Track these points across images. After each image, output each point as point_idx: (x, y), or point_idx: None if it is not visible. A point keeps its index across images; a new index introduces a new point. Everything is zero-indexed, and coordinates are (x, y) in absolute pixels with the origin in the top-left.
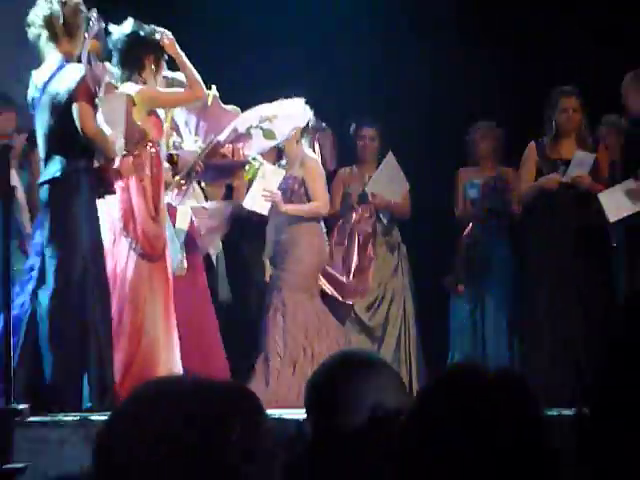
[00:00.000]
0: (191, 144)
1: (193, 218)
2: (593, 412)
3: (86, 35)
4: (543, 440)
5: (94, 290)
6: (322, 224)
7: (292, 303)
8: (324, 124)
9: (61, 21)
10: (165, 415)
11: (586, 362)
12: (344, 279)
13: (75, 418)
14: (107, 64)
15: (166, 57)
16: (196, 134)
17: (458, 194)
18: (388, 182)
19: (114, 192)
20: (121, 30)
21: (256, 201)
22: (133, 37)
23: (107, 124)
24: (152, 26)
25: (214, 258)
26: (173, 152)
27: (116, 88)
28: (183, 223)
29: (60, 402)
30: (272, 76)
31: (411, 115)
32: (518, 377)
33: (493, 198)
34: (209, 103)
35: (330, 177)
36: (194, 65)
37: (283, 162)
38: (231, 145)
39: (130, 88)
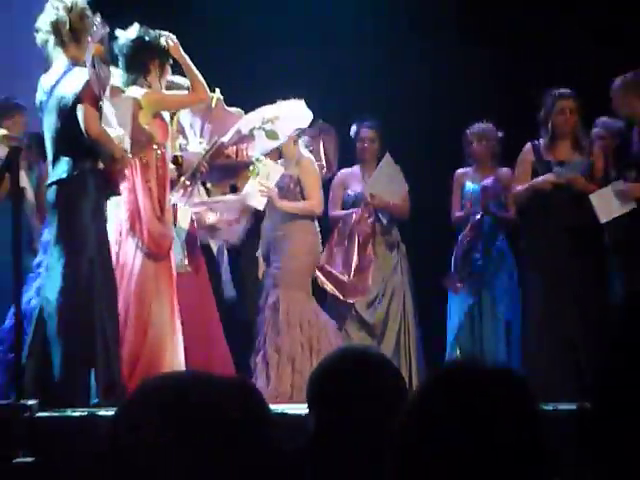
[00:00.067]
0: (196, 146)
1: (193, 217)
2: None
3: (89, 39)
4: (541, 435)
5: (101, 288)
6: (316, 223)
7: (287, 300)
8: (329, 126)
9: (67, 26)
10: (171, 404)
11: (585, 362)
12: (345, 278)
13: (83, 413)
14: (113, 68)
15: (171, 61)
16: (201, 136)
17: (455, 195)
18: (387, 183)
19: (120, 193)
20: (127, 35)
21: (253, 196)
22: (138, 42)
23: (113, 127)
24: (157, 31)
25: (215, 249)
26: (178, 154)
27: (122, 92)
28: (184, 222)
29: (68, 398)
30: (272, 76)
31: (411, 115)
32: (516, 373)
33: (489, 199)
34: (213, 105)
35: (329, 182)
36: (196, 66)
37: (280, 161)
38: (235, 146)
39: (136, 92)
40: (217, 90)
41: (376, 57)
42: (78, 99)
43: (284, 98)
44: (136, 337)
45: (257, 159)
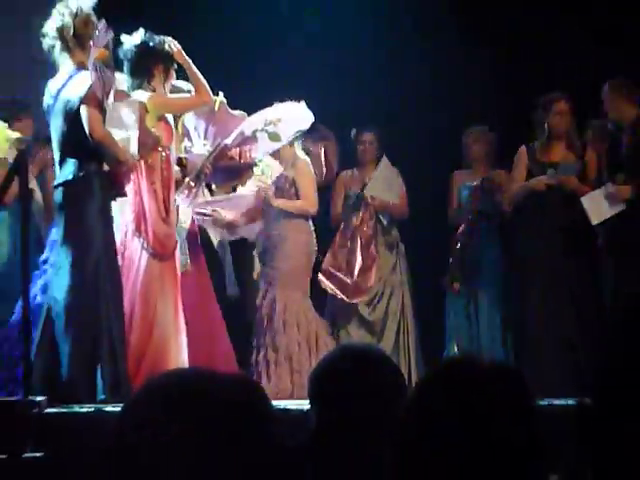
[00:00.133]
0: (200, 148)
1: (195, 217)
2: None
3: (91, 44)
4: (538, 431)
5: (107, 287)
6: (310, 222)
7: (283, 299)
8: (329, 132)
9: (72, 32)
10: (175, 401)
11: (584, 362)
12: (348, 280)
13: (90, 409)
14: (118, 73)
15: (175, 66)
16: (205, 138)
17: (452, 196)
18: (385, 185)
19: (125, 195)
20: (131, 41)
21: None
22: (142, 47)
23: (120, 130)
24: (161, 36)
25: (215, 242)
26: (182, 155)
27: (128, 96)
28: (184, 222)
29: (76, 394)
30: (272, 77)
31: (411, 115)
32: (512, 369)
33: (484, 200)
34: (216, 109)
35: (330, 184)
36: (196, 67)
37: (276, 162)
38: (238, 148)
39: (141, 96)
40: (220, 93)
41: (376, 57)
42: (82, 103)
43: (284, 98)
44: (141, 336)
45: (260, 160)
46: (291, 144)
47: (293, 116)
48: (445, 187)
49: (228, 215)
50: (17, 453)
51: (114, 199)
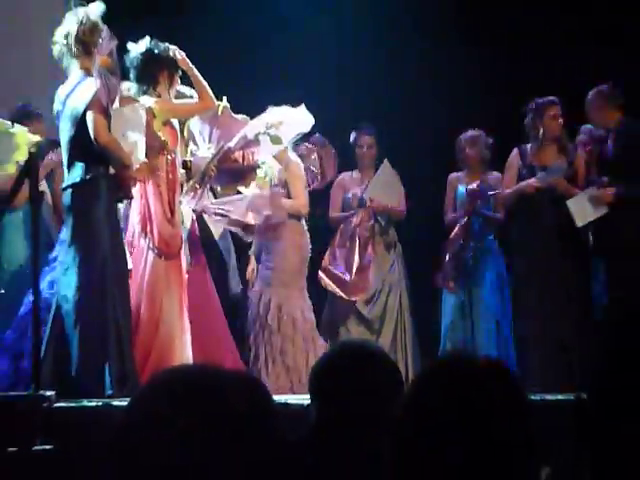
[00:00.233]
0: (205, 151)
1: (198, 218)
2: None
3: (95, 51)
4: (532, 426)
5: (114, 286)
6: (304, 222)
7: (278, 298)
8: (325, 139)
9: (79, 39)
10: (179, 397)
11: (577, 364)
12: (347, 278)
13: (98, 404)
14: (125, 82)
15: (180, 72)
16: (210, 142)
17: (448, 198)
18: (385, 187)
19: (132, 197)
20: (137, 49)
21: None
22: (147, 55)
23: (127, 134)
24: (166, 44)
25: (216, 236)
26: (187, 158)
27: (136, 101)
28: (185, 222)
29: (84, 389)
30: (272, 77)
31: (411, 115)
32: (505, 366)
33: (479, 202)
34: (220, 113)
35: (330, 186)
36: (196, 67)
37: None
38: (242, 151)
39: (147, 101)
40: (224, 98)
41: (376, 57)
42: (88, 108)
43: (284, 99)
44: (147, 334)
45: (263, 162)
46: (285, 147)
47: (294, 119)
48: (440, 189)
49: (233, 215)
50: (27, 446)
51: (121, 201)
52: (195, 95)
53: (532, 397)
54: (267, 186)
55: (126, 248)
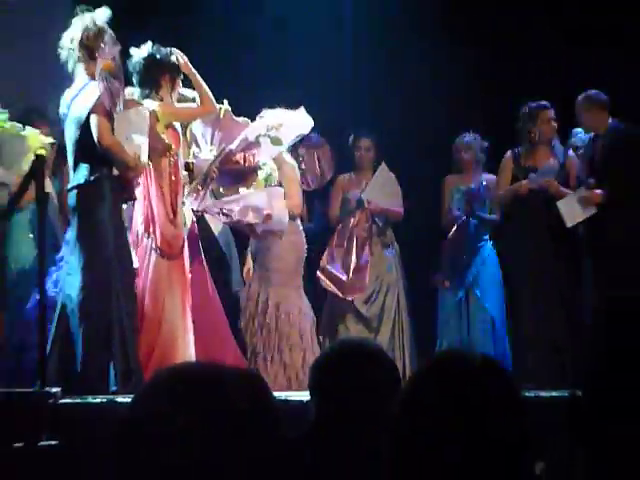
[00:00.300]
0: (207, 153)
1: (194, 218)
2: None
3: (97, 55)
4: (527, 422)
5: (119, 285)
6: (299, 222)
7: (276, 298)
8: (323, 140)
9: (84, 44)
10: (181, 394)
11: (569, 365)
12: (344, 278)
13: (102, 400)
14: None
15: (182, 76)
16: (212, 144)
17: (444, 200)
18: (382, 189)
19: (135, 198)
20: (139, 53)
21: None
22: (150, 60)
23: (131, 137)
24: (168, 48)
25: (216, 232)
26: (189, 160)
27: (140, 104)
28: (186, 223)
29: (89, 386)
30: (272, 78)
31: (411, 115)
32: (501, 363)
33: (474, 204)
34: (222, 116)
35: (328, 186)
36: (196, 68)
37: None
38: (243, 152)
39: (150, 105)
40: (225, 102)
41: (376, 57)
42: (91, 112)
43: (284, 99)
44: (150, 332)
45: (264, 164)
46: None
47: (294, 121)
48: (437, 190)
49: (236, 215)
50: (33, 441)
51: (124, 202)
52: (197, 96)
53: (526, 394)
54: (262, 185)
55: (132, 248)
